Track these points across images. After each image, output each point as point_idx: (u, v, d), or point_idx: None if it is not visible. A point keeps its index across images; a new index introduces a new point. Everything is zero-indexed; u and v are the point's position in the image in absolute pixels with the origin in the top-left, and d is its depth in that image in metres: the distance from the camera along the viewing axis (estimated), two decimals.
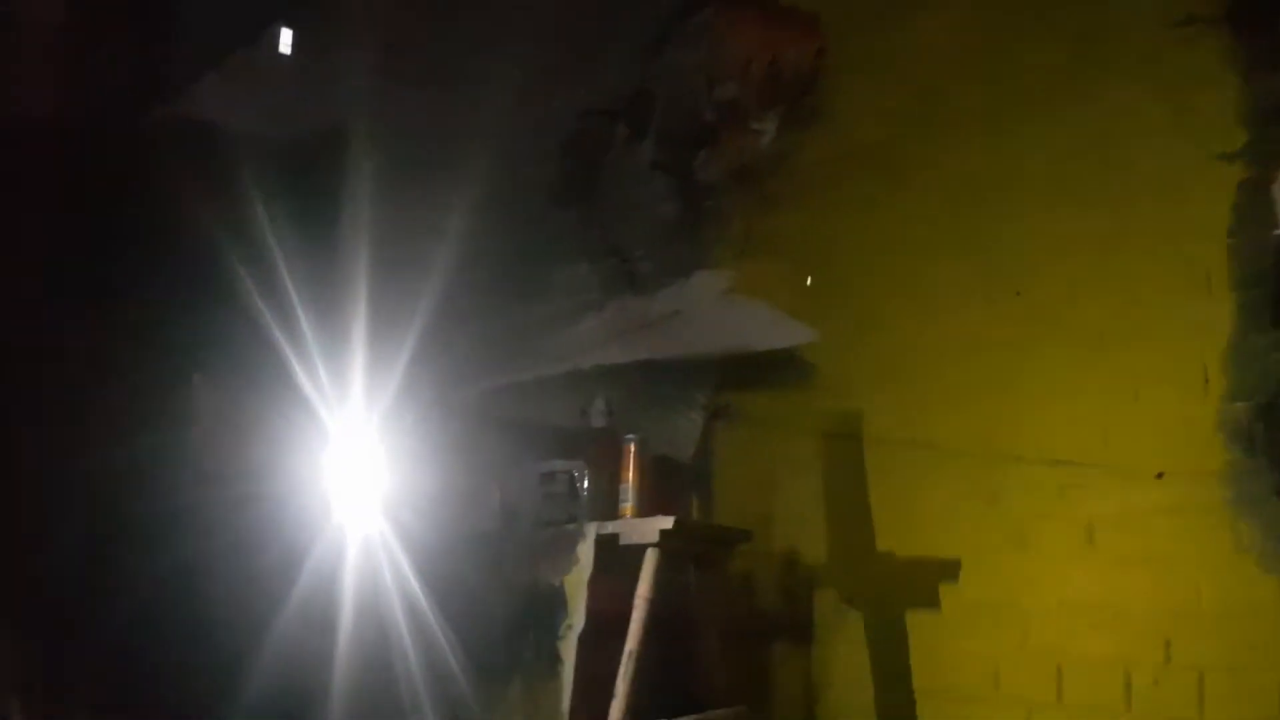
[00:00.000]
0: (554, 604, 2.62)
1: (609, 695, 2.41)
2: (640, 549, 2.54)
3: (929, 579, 2.67)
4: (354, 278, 4.76)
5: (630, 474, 2.67)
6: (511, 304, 3.97)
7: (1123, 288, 2.44)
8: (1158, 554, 2.31)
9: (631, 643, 2.44)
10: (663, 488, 2.88)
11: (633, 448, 2.71)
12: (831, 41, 3.15)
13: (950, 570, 2.63)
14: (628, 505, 2.65)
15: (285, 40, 4.82)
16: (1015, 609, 2.52)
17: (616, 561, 2.60)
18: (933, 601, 2.65)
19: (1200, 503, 2.25)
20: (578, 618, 2.59)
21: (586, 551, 2.61)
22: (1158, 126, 2.45)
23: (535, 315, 3.86)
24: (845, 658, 2.78)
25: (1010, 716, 2.47)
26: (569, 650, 2.59)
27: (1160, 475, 2.32)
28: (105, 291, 2.93)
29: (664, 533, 2.48)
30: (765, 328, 3.14)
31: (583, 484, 2.75)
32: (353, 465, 3.00)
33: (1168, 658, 2.27)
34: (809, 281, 3.10)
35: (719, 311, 3.28)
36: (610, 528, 2.60)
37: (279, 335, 3.69)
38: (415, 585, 2.69)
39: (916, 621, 2.67)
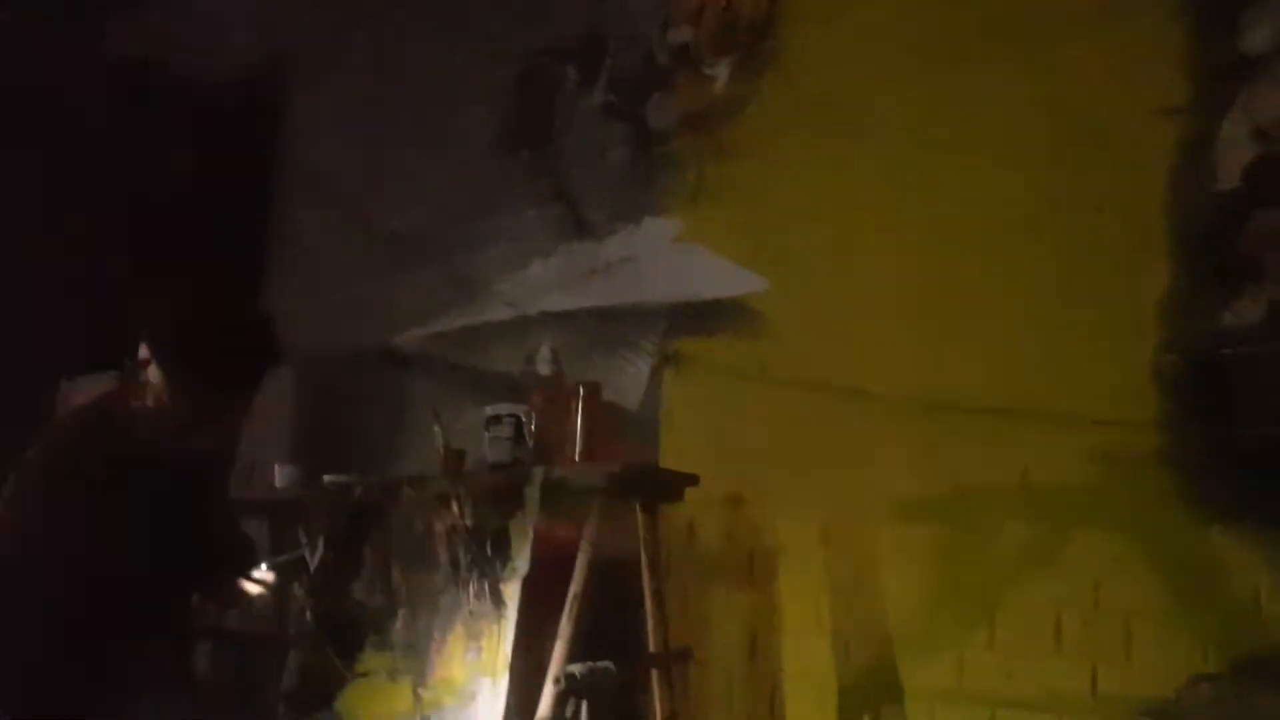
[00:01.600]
0: (499, 546, 2.63)
1: (552, 637, 2.43)
2: (587, 493, 2.55)
3: (867, 526, 2.72)
4: (289, 219, 4.69)
5: (579, 419, 2.68)
6: (456, 249, 3.93)
7: (1064, 239, 2.48)
8: (1090, 500, 2.38)
9: (576, 585, 2.47)
10: (610, 434, 2.90)
11: (581, 392, 2.71)
12: None
13: (889, 516, 2.68)
14: (576, 449, 2.66)
15: None
16: (948, 553, 2.58)
17: (563, 505, 2.61)
18: (870, 547, 2.70)
19: (1133, 451, 2.31)
20: (522, 560, 2.60)
21: (533, 495, 2.62)
22: (1105, 81, 2.48)
23: (481, 260, 3.83)
24: (786, 601, 2.83)
25: (942, 659, 2.54)
26: (513, 592, 2.60)
27: (1095, 423, 2.38)
28: None
29: (611, 477, 2.50)
30: (715, 276, 3.15)
31: (530, 428, 2.75)
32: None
33: (1096, 601, 2.34)
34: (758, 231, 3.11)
35: (669, 259, 3.28)
36: (558, 472, 2.60)
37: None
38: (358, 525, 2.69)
39: (854, 566, 2.72)
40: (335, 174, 4.50)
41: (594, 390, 2.77)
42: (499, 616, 2.55)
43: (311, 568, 2.88)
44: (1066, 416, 2.41)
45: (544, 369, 3.54)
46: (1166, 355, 2.31)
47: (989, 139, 2.66)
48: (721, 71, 3.21)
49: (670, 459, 3.06)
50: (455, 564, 2.65)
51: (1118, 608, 2.31)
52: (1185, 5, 2.41)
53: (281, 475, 3.12)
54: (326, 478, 2.92)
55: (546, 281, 3.63)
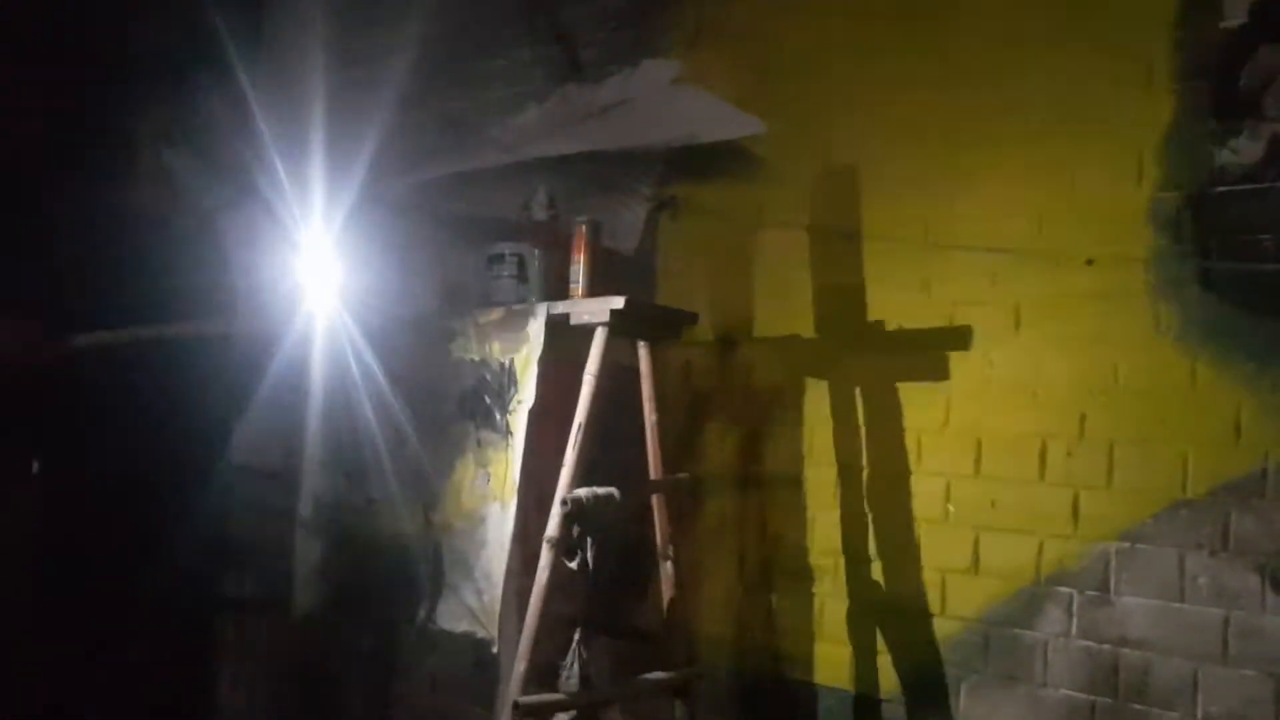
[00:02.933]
0: (505, 381, 2.69)
1: (558, 466, 2.51)
2: (589, 329, 2.61)
3: (863, 361, 2.79)
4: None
5: (581, 256, 2.71)
6: (450, 91, 3.87)
7: (1066, 78, 2.49)
8: (1080, 335, 2.45)
9: (580, 416, 2.54)
10: (607, 276, 2.93)
11: (583, 229, 2.74)
12: None
13: (883, 352, 2.75)
14: (578, 286, 2.70)
15: None
16: (940, 389, 2.67)
17: (566, 341, 2.67)
18: (864, 382, 2.79)
19: (1125, 287, 2.38)
20: (527, 393, 2.66)
21: (537, 331, 2.67)
22: None
23: (475, 103, 3.79)
24: (778, 435, 2.93)
25: (930, 486, 2.65)
26: (519, 424, 2.68)
27: (1090, 262, 2.44)
28: None
29: (614, 312, 2.54)
30: (713, 119, 3.14)
31: (532, 265, 2.78)
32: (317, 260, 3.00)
33: (1082, 432, 2.44)
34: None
35: (666, 101, 3.26)
36: (561, 307, 2.65)
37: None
38: (372, 363, 2.74)
39: (846, 401, 2.80)
40: (318, 8, 4.38)
41: (595, 229, 2.79)
42: (506, 445, 2.63)
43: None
44: (1060, 255, 2.46)
45: (540, 214, 3.54)
46: (1163, 192, 2.35)
47: None
48: None
49: (666, 299, 3.11)
50: (463, 396, 2.72)
51: (1102, 438, 2.41)
52: None
53: None
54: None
55: (542, 126, 3.60)
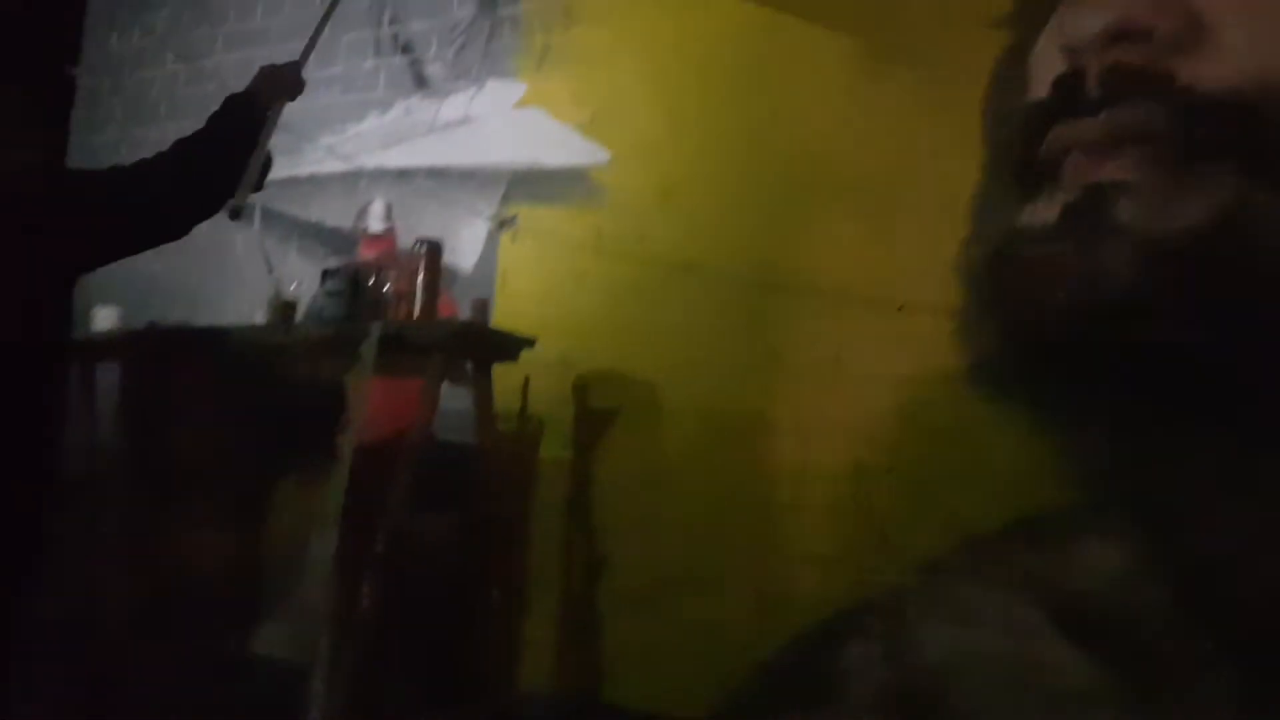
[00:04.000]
0: (332, 402, 2.65)
1: (384, 490, 2.50)
2: (424, 350, 2.61)
3: (692, 392, 2.88)
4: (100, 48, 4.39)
5: (419, 277, 2.70)
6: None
7: (892, 136, 2.65)
8: (894, 377, 2.60)
9: (411, 437, 2.54)
10: (444, 294, 2.94)
11: (423, 248, 2.73)
12: None
13: (711, 385, 2.85)
14: (414, 306, 2.70)
15: None
16: (766, 420, 2.78)
17: (398, 360, 2.66)
18: (695, 412, 2.88)
19: (934, 334, 2.54)
20: (356, 414, 2.64)
21: (369, 350, 2.64)
22: None
23: (312, 107, 3.71)
24: (609, 462, 2.99)
25: (753, 517, 2.76)
26: (345, 446, 2.65)
27: (900, 308, 2.60)
28: None
29: (452, 335, 2.55)
30: (556, 144, 3.18)
31: (368, 283, 2.76)
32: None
33: (892, 467, 2.60)
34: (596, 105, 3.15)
35: (511, 123, 3.28)
36: (395, 327, 2.64)
37: None
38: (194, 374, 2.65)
39: (678, 429, 2.89)
40: (152, 5, 4.23)
41: (436, 249, 2.79)
42: (332, 468, 2.59)
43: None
44: (879, 300, 2.61)
45: (376, 226, 3.51)
46: (971, 248, 2.53)
47: (828, 31, 2.77)
48: None
49: (503, 320, 3.12)
50: (287, 416, 2.67)
51: (909, 474, 2.57)
52: None
53: (102, 317, 3.02)
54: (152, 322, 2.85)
55: (382, 136, 3.56)
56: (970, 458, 2.48)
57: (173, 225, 2.15)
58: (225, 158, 2.12)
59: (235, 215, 2.13)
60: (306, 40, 2.47)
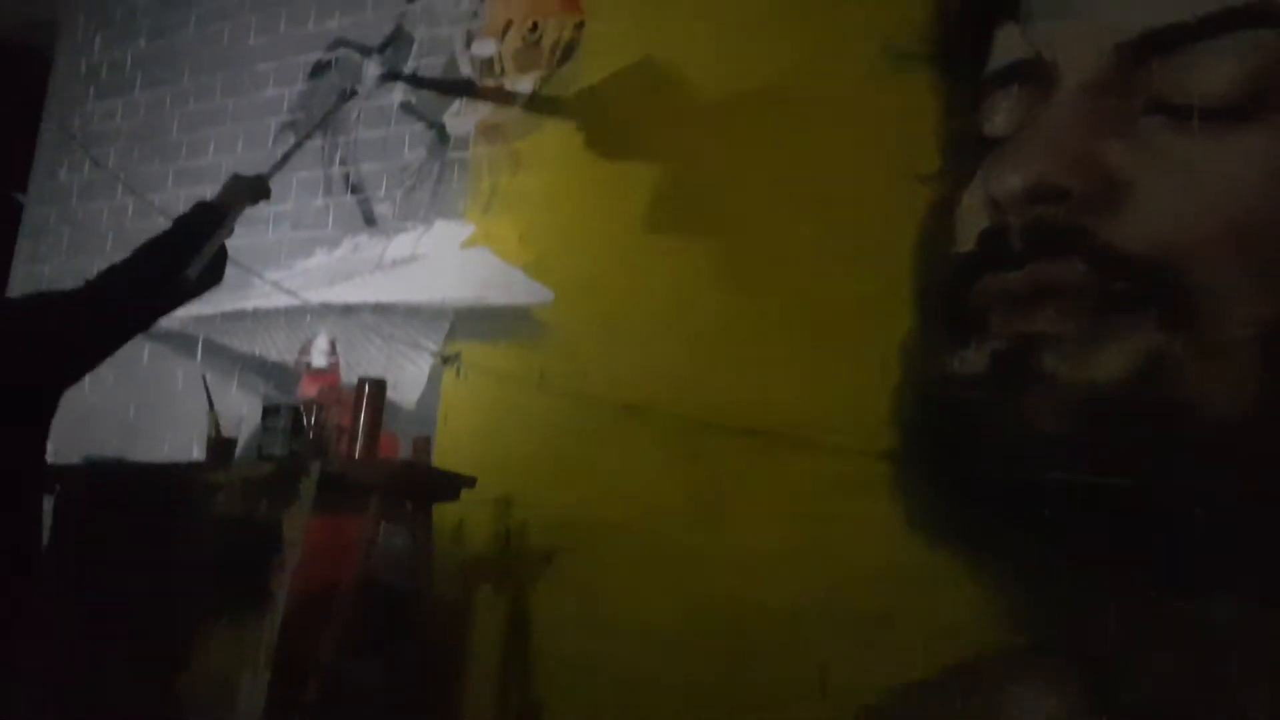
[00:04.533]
0: (269, 541, 2.62)
1: (318, 632, 2.46)
2: (364, 490, 2.59)
3: (632, 533, 2.88)
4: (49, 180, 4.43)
5: (361, 415, 2.71)
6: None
7: (827, 282, 2.74)
8: (832, 516, 2.63)
9: (346, 580, 2.50)
10: (386, 431, 2.94)
11: (366, 389, 2.74)
12: (590, 18, 3.26)
13: (651, 525, 2.85)
14: (355, 444, 2.69)
15: None
16: (707, 559, 2.78)
17: (339, 501, 2.64)
18: (634, 553, 2.87)
19: (869, 477, 2.59)
20: (293, 555, 2.60)
21: (308, 489, 2.62)
22: (869, 142, 2.75)
23: (261, 243, 3.76)
24: (548, 603, 2.96)
25: (692, 662, 2.73)
26: (281, 586, 2.60)
27: (835, 451, 2.65)
28: None
29: (391, 475, 2.55)
30: (502, 283, 3.24)
31: (309, 421, 2.75)
32: None
33: (828, 606, 2.60)
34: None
35: (457, 262, 3.35)
36: (336, 467, 2.63)
37: None
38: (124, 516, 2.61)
39: (618, 569, 2.87)
40: (103, 139, 4.30)
41: (378, 387, 2.80)
42: (265, 610, 2.54)
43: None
44: (815, 443, 2.66)
45: (320, 361, 3.52)
46: (902, 393, 2.60)
47: (761, 185, 2.89)
48: (523, 88, 3.32)
49: (444, 458, 3.12)
50: (221, 555, 2.62)
51: (848, 615, 2.57)
52: (938, 83, 2.71)
53: None
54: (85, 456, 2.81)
55: (330, 272, 3.61)
56: (906, 601, 2.50)
57: (140, 317, 2.23)
58: (189, 251, 2.22)
59: (185, 284, 2.25)
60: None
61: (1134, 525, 2.33)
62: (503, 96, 3.35)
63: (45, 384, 2.03)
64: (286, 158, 2.89)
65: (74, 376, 2.12)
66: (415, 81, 3.50)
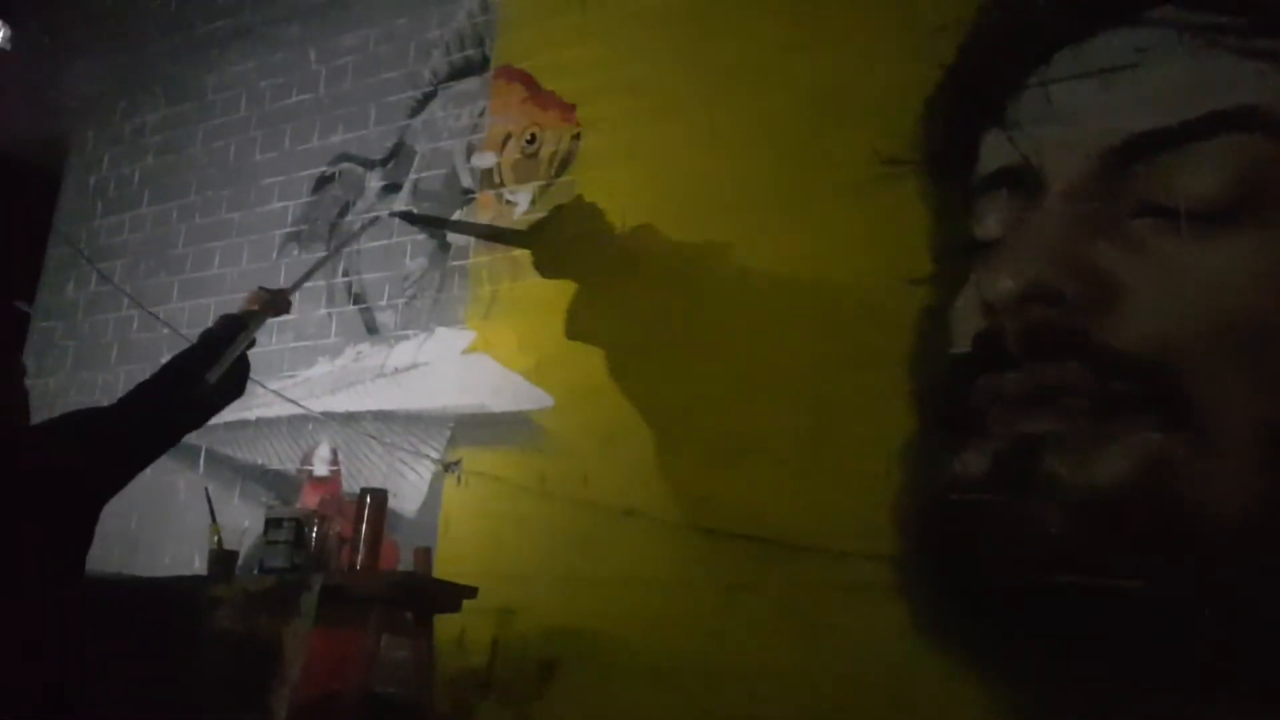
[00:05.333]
0: (270, 656, 2.58)
1: None
2: (365, 601, 2.57)
3: (635, 641, 2.84)
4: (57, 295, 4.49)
5: (363, 527, 2.70)
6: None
7: (825, 388, 2.75)
8: (836, 624, 2.60)
9: (347, 693, 2.47)
10: (387, 539, 2.92)
11: (368, 501, 2.74)
12: (587, 131, 3.34)
13: (654, 633, 2.82)
14: (357, 556, 2.68)
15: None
16: (710, 668, 2.74)
17: (340, 613, 2.61)
18: (637, 662, 2.83)
19: (874, 582, 2.56)
20: (294, 671, 2.57)
21: (309, 603, 2.60)
22: (861, 248, 2.80)
23: (264, 353, 3.78)
24: (551, 715, 2.90)
25: None
26: (282, 702, 2.56)
27: (841, 555, 2.63)
28: None
29: (393, 588, 2.53)
30: (502, 390, 3.26)
31: (311, 533, 2.74)
32: None
33: (835, 714, 2.55)
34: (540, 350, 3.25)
35: (458, 369, 3.37)
36: (338, 580, 2.61)
37: None
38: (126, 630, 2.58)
39: (621, 681, 2.83)
40: (110, 253, 4.38)
41: (380, 498, 2.80)
42: None
43: None
44: (821, 547, 2.64)
45: (321, 470, 3.53)
46: (904, 497, 2.59)
47: (759, 288, 2.92)
48: (522, 198, 3.39)
49: (445, 567, 3.10)
50: (220, 671, 2.59)
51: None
52: (928, 188, 2.76)
53: None
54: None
55: (331, 381, 3.63)
56: (917, 708, 2.46)
57: (170, 431, 2.26)
58: (215, 362, 2.31)
59: (205, 389, 2.27)
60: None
61: (1140, 627, 2.30)
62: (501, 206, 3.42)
63: (83, 502, 2.06)
64: (309, 275, 2.98)
65: (109, 494, 2.14)
66: (412, 219, 3.58)
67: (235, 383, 2.39)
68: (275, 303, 2.63)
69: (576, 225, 3.27)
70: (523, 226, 3.37)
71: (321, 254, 3.42)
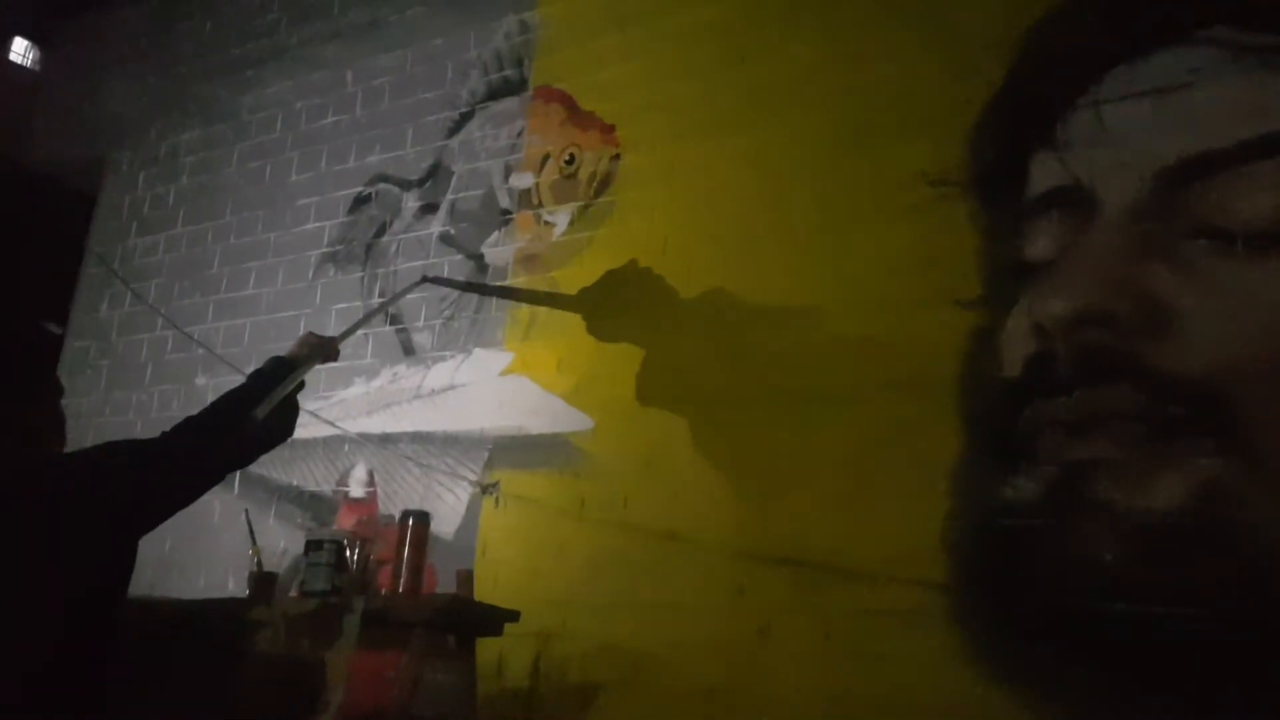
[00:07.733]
0: (313, 680, 2.57)
1: None
2: (406, 625, 2.55)
3: (677, 666, 2.81)
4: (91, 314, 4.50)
5: (404, 550, 2.68)
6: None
7: (872, 411, 2.71)
8: (884, 652, 2.55)
9: (391, 716, 2.44)
10: (426, 563, 2.90)
11: (410, 523, 2.72)
12: (627, 151, 3.33)
13: (697, 659, 2.78)
14: (399, 579, 2.66)
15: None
16: (753, 696, 2.71)
17: (381, 636, 2.59)
18: (678, 689, 2.79)
19: (924, 609, 2.52)
20: (337, 694, 2.55)
21: (351, 626, 2.58)
22: (909, 269, 2.77)
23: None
24: None
25: None
26: None
27: (890, 581, 2.59)
28: None
29: (436, 611, 2.50)
30: (541, 411, 3.24)
31: (352, 555, 2.72)
32: None
33: None
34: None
35: (496, 391, 3.35)
36: (379, 602, 2.59)
37: None
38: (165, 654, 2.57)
39: (666, 709, 2.79)
40: (145, 273, 4.39)
41: (423, 521, 2.78)
42: None
43: None
44: (866, 573, 2.60)
45: (358, 491, 3.51)
46: (954, 522, 2.55)
47: (803, 311, 2.90)
48: (560, 219, 3.37)
49: (483, 589, 3.07)
50: (262, 694, 2.57)
51: None
52: (977, 210, 2.74)
53: None
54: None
55: (368, 402, 3.62)
56: None
57: (216, 468, 2.29)
58: (262, 401, 2.33)
59: (252, 425, 2.28)
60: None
61: (1196, 656, 2.25)
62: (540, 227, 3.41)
63: (123, 533, 2.05)
64: (359, 326, 3.06)
65: (149, 527, 2.13)
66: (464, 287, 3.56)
67: (284, 424, 2.42)
68: (324, 348, 2.67)
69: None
70: (559, 245, 3.35)
71: (373, 310, 3.42)
